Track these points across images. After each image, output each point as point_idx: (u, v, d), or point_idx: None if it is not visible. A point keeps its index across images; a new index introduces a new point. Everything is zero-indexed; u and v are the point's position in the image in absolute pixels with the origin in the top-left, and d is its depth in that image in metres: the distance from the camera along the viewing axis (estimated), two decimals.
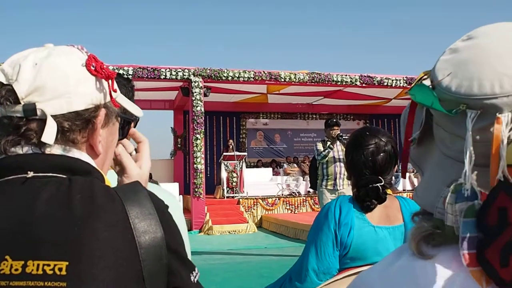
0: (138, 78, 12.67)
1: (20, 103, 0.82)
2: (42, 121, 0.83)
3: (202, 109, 13.34)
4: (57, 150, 0.85)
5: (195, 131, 13.18)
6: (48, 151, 0.84)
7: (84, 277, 0.74)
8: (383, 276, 0.63)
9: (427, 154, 0.67)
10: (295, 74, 14.08)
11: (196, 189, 12.86)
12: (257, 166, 17.84)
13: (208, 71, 13.52)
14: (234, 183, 14.59)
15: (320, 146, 6.68)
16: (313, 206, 14.13)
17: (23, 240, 0.75)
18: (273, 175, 16.53)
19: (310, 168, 7.28)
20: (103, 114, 0.91)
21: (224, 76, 13.67)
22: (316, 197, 9.08)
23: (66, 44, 0.94)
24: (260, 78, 13.92)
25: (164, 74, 13.06)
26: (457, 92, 0.58)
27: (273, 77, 13.95)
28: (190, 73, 13.34)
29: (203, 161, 13.25)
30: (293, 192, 15.11)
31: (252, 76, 13.82)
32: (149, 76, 12.84)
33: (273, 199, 14.20)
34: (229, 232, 12.24)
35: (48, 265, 0.73)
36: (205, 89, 13.58)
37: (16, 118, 0.82)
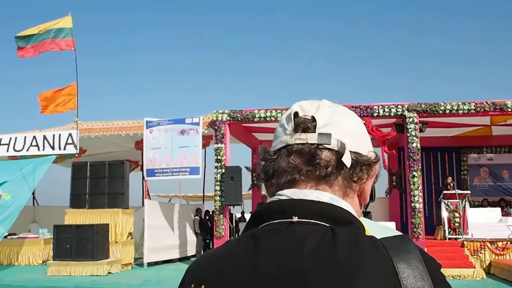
0: None
1: (315, 132, 0.88)
2: (332, 152, 0.87)
3: (418, 145, 12.89)
4: (325, 197, 0.86)
5: (411, 169, 12.76)
6: (316, 197, 0.85)
7: None
8: None
9: None
10: None
11: (415, 229, 12.35)
12: (482, 206, 16.34)
13: (423, 105, 13.05)
14: (456, 224, 13.50)
15: None
16: None
17: None
18: (503, 215, 14.87)
19: None
20: (378, 168, 0.95)
21: (441, 110, 13.04)
22: None
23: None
24: (482, 110, 12.92)
25: (377, 111, 13.01)
26: None
27: (497, 107, 12.82)
28: (404, 108, 13.05)
29: (421, 200, 12.72)
30: None
31: (473, 108, 12.90)
32: (362, 115, 12.90)
33: (504, 242, 12.71)
34: (452, 277, 11.42)
35: None
36: (420, 124, 13.10)
37: (309, 146, 0.87)
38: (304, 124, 0.88)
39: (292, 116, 0.89)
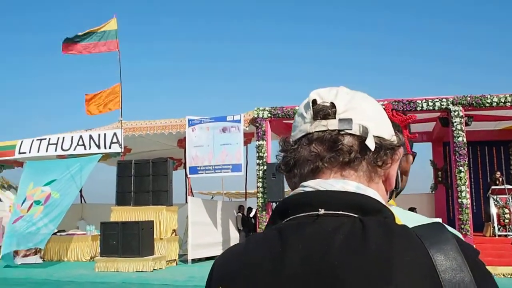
0: None
1: (335, 118, 0.85)
2: (354, 137, 0.84)
3: (464, 139, 12.54)
4: (351, 187, 0.83)
5: (457, 163, 12.43)
6: (342, 187, 0.82)
7: None
8: None
9: None
10: None
11: (462, 226, 12.03)
12: None
13: (469, 98, 12.68)
14: (506, 220, 13.07)
15: None
16: None
17: None
18: None
19: None
20: (402, 152, 0.91)
21: (488, 103, 12.64)
22: None
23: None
24: None
25: (420, 105, 12.73)
26: None
27: None
28: (449, 102, 12.72)
29: (468, 195, 12.37)
30: None
31: None
32: (405, 109, 12.64)
33: None
34: (503, 275, 11.09)
35: None
36: (466, 118, 12.73)
37: (330, 132, 0.84)
38: (324, 111, 0.85)
39: (311, 104, 0.87)
